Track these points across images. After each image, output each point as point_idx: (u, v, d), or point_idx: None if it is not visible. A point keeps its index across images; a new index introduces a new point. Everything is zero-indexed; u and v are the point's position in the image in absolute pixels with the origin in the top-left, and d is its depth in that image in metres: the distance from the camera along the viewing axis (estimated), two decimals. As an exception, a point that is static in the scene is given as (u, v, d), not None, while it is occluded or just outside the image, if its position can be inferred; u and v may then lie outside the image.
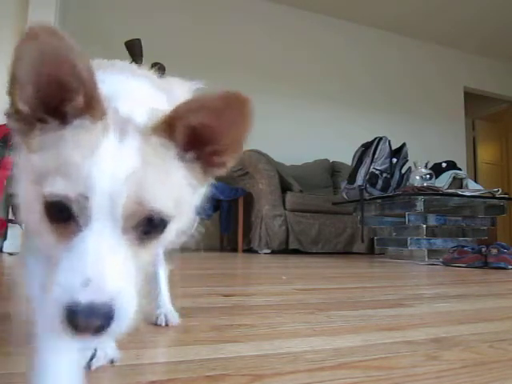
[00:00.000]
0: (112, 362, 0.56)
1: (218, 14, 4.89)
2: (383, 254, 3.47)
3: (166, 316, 0.75)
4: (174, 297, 0.91)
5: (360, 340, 0.60)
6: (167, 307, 0.77)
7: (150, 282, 0.77)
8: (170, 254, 0.89)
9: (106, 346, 0.57)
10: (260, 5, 5.13)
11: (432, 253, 2.84)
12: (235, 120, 0.39)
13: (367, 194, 3.13)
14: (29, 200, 0.35)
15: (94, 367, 0.52)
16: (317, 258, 3.02)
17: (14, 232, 2.62)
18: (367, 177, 3.14)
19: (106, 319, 0.30)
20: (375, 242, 3.37)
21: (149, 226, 0.34)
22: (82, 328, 0.30)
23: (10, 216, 2.64)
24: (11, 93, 0.34)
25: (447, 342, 0.60)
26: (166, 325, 0.73)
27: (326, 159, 4.81)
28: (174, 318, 0.75)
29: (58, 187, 0.31)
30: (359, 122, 5.37)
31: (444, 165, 3.41)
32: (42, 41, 0.33)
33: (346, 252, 3.86)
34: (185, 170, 0.37)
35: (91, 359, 0.53)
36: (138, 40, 3.71)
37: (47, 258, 0.36)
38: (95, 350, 0.54)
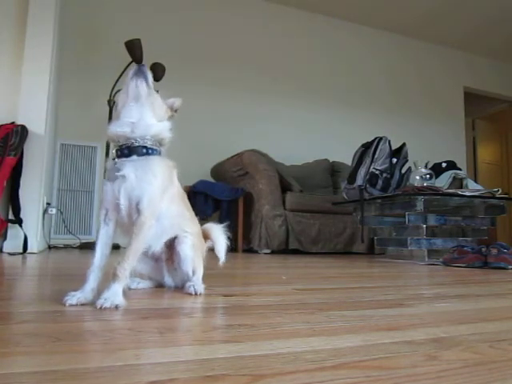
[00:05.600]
0: (116, 307, 0.80)
1: (218, 14, 4.89)
2: (383, 253, 3.47)
3: (194, 286, 1.01)
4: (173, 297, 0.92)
5: (360, 340, 0.60)
6: (195, 281, 1.04)
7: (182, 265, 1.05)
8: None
9: (116, 294, 0.82)
10: (261, 5, 5.13)
11: (432, 253, 2.84)
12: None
13: (367, 194, 3.13)
14: None
15: (102, 307, 0.79)
16: (317, 258, 3.02)
17: (14, 232, 2.62)
18: (367, 177, 3.14)
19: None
20: (375, 241, 3.37)
21: None
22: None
23: (10, 216, 2.64)
24: None
25: (447, 341, 0.60)
26: (195, 293, 1.00)
27: (326, 159, 4.81)
28: (201, 288, 1.02)
29: None
30: (359, 122, 5.38)
31: (444, 165, 3.41)
32: None
33: (346, 252, 3.86)
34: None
35: (102, 300, 0.80)
36: (138, 40, 3.71)
37: None
38: (106, 297, 0.81)
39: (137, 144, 0.92)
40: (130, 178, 0.89)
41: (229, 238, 1.22)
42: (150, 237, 0.94)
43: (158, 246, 1.04)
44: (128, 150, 0.92)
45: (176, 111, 1.05)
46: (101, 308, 0.79)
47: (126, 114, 0.93)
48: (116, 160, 0.93)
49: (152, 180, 0.91)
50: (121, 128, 0.93)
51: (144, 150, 0.93)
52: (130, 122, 0.93)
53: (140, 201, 0.89)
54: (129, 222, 0.92)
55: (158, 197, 0.92)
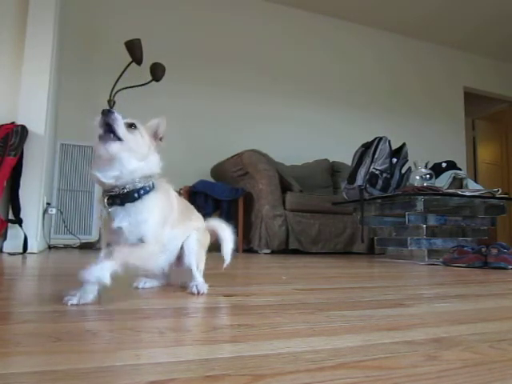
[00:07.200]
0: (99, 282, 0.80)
1: (218, 14, 4.89)
2: (383, 253, 3.47)
3: (197, 286, 1.00)
4: (173, 297, 0.92)
5: (360, 340, 0.60)
6: (199, 280, 1.04)
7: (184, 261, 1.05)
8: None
9: (102, 269, 0.80)
10: (261, 5, 5.13)
11: (432, 253, 2.84)
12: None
13: (367, 194, 3.13)
14: None
15: (86, 279, 0.80)
16: (317, 258, 3.02)
17: (14, 232, 2.62)
18: (367, 177, 3.14)
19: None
20: (375, 241, 3.37)
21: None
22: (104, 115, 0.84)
23: (10, 216, 2.64)
24: None
25: (447, 341, 0.60)
26: (198, 293, 0.99)
27: (326, 159, 4.81)
28: (204, 288, 1.01)
29: None
30: (359, 122, 5.38)
31: (444, 165, 3.41)
32: None
33: (346, 252, 3.86)
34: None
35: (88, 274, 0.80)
36: (138, 40, 3.72)
37: None
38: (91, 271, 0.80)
39: (127, 190, 0.88)
40: (125, 227, 0.87)
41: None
42: (158, 263, 0.98)
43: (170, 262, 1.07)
44: (119, 199, 0.88)
45: (161, 139, 0.97)
46: (82, 281, 0.80)
47: (107, 168, 0.87)
48: (108, 208, 0.88)
49: (149, 219, 0.89)
50: (105, 179, 0.87)
51: (136, 195, 0.88)
52: (113, 176, 0.87)
53: (142, 238, 0.89)
54: None
55: (159, 228, 0.92)
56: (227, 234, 1.19)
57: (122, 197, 0.87)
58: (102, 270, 0.79)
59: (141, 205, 0.88)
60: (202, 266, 1.10)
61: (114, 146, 0.84)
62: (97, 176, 0.88)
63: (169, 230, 0.97)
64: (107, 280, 0.79)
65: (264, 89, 4.95)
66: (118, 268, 0.82)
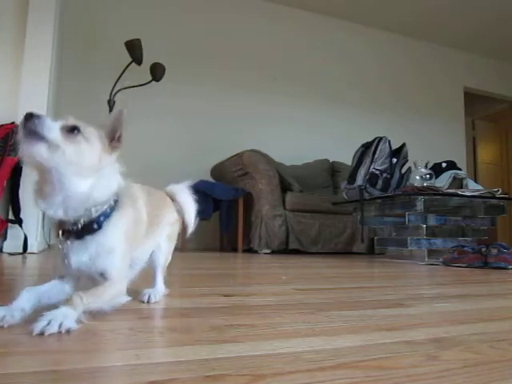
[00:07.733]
0: (68, 330, 0.60)
1: (218, 14, 4.89)
2: (383, 253, 3.47)
3: (150, 295, 0.89)
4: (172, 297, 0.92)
5: (360, 340, 0.60)
6: (158, 285, 0.94)
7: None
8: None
9: (66, 317, 0.62)
10: (261, 5, 5.13)
11: (432, 253, 2.84)
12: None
13: (367, 194, 3.13)
14: None
15: (44, 332, 0.58)
16: (317, 258, 3.02)
17: (14, 232, 2.62)
18: (367, 177, 3.14)
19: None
20: (375, 241, 3.37)
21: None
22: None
23: (10, 216, 2.64)
24: None
25: (447, 341, 0.60)
26: (148, 302, 0.87)
27: (326, 159, 4.81)
28: (158, 296, 0.90)
29: None
30: (359, 122, 5.38)
31: (444, 165, 3.41)
32: None
33: (346, 252, 3.86)
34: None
35: (47, 324, 0.59)
36: (138, 40, 3.72)
37: None
38: (51, 318, 0.60)
39: (82, 223, 0.71)
40: (85, 263, 0.73)
41: (198, 202, 1.07)
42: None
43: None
44: (76, 234, 0.72)
45: (119, 139, 0.75)
46: (42, 334, 0.58)
47: (48, 191, 0.69)
48: (63, 240, 0.73)
49: (114, 249, 0.74)
50: (51, 210, 0.70)
51: (95, 226, 0.72)
52: (57, 203, 0.69)
53: (103, 272, 0.73)
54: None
55: (125, 259, 0.78)
56: (185, 196, 1.05)
57: (76, 232, 0.71)
58: (65, 318, 0.61)
59: (102, 236, 0.72)
60: (167, 263, 1.00)
61: (40, 148, 0.64)
62: (40, 205, 0.70)
63: (138, 247, 0.85)
64: (75, 325, 0.62)
65: (264, 89, 4.95)
66: (81, 316, 0.65)
